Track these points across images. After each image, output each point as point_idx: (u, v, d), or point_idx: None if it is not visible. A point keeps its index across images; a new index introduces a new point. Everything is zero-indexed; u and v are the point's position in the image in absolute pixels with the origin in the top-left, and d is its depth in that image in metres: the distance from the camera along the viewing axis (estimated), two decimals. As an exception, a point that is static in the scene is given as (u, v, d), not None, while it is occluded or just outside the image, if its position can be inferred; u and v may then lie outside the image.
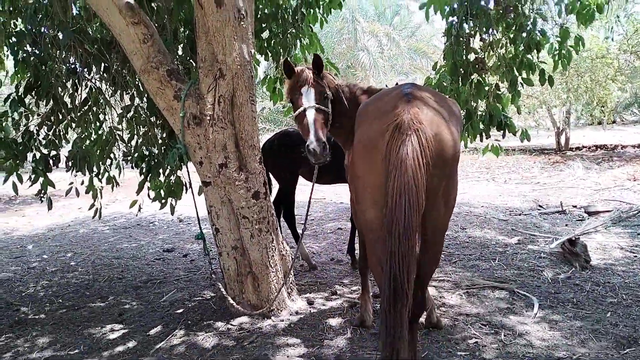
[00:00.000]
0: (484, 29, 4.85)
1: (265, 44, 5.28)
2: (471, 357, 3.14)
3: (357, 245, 5.35)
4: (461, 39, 4.84)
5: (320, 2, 5.13)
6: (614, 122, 27.43)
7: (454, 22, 4.82)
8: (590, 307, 3.85)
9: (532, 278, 4.67)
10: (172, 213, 5.00)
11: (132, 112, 5.06)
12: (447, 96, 4.90)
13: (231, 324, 3.79)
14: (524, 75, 4.91)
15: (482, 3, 4.75)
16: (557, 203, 9.03)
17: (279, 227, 4.09)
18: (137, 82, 4.88)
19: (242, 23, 3.48)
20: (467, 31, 4.93)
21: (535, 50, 4.85)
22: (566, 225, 7.28)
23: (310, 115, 3.22)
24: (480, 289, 4.37)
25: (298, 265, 5.39)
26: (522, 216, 8.06)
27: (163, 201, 4.89)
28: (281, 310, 3.90)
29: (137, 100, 5.09)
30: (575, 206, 8.68)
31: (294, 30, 5.13)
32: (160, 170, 4.99)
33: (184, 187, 4.87)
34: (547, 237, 6.46)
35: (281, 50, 5.18)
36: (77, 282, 5.28)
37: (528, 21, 4.84)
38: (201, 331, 3.69)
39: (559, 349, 3.19)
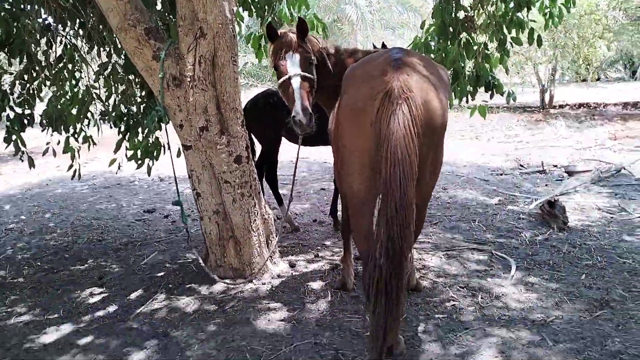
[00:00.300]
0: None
1: (249, -1, 5.08)
2: (449, 320, 3.21)
3: (339, 207, 5.37)
4: (451, -1, 4.70)
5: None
6: (598, 79, 27.47)
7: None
8: (565, 269, 3.94)
9: (510, 239, 4.75)
10: (149, 174, 4.94)
11: (109, 70, 4.90)
12: (434, 56, 4.90)
13: (213, 288, 3.80)
14: (514, 34, 4.82)
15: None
16: (539, 162, 9.11)
17: (261, 191, 4.05)
18: (114, 39, 4.68)
19: (223, -21, 3.31)
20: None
21: (525, 9, 4.75)
22: (546, 185, 7.37)
23: (296, 83, 3.13)
24: (460, 251, 4.44)
25: (283, 228, 5.40)
26: (503, 176, 8.14)
27: (140, 162, 4.80)
28: (263, 274, 3.92)
29: (114, 57, 4.91)
30: (555, 166, 8.77)
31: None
32: (139, 130, 4.89)
33: (162, 149, 4.78)
34: (527, 197, 6.54)
35: (266, 6, 4.97)
36: (55, 245, 5.23)
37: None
38: (182, 295, 3.71)
39: (534, 312, 3.28)
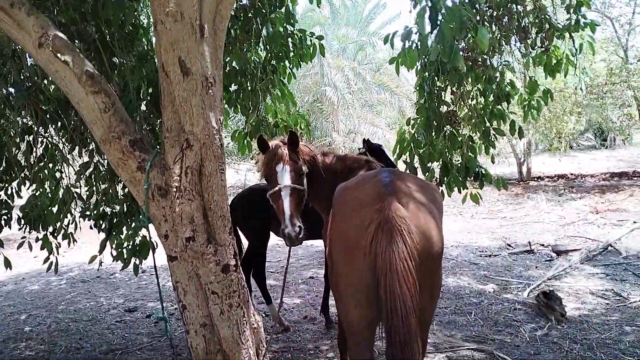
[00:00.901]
0: (455, 83, 4.87)
1: (234, 96, 5.15)
2: None
3: (331, 302, 5.18)
4: (433, 94, 4.84)
5: (291, 55, 5.03)
6: (570, 147, 28.45)
7: (426, 78, 4.81)
8: (572, 372, 3.77)
9: (510, 335, 4.59)
10: (136, 274, 4.74)
11: (91, 169, 4.82)
12: (422, 150, 4.95)
13: (200, 408, 3.52)
14: (495, 125, 4.94)
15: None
16: (525, 240, 9.12)
17: (250, 299, 3.87)
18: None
19: (211, 91, 3.31)
20: (439, 84, 4.95)
21: (505, 102, 4.90)
22: (536, 267, 7.31)
23: (286, 196, 3.12)
24: (459, 353, 4.24)
25: (269, 327, 5.16)
26: (492, 258, 8.07)
27: (126, 261, 4.62)
28: (254, 390, 3.65)
29: (96, 156, 4.85)
30: (542, 244, 8.77)
31: (264, 85, 5.01)
32: (123, 229, 4.75)
33: (149, 248, 4.61)
34: (520, 282, 6.45)
35: (251, 105, 5.04)
36: (31, 355, 4.87)
37: (496, 73, 4.89)
38: (168, 419, 3.42)
39: None
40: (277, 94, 5.29)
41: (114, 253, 4.63)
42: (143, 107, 4.64)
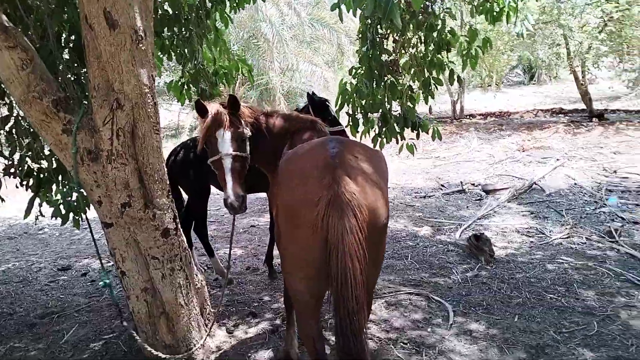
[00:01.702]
0: (398, 31, 4.78)
1: (168, 42, 4.82)
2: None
3: (275, 253, 5.23)
4: (376, 42, 4.75)
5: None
6: (501, 83, 29.42)
7: (369, 25, 4.68)
8: (499, 312, 4.06)
9: (443, 277, 4.86)
10: (78, 227, 4.48)
11: (11, 123, 4.43)
12: (364, 101, 4.91)
13: (146, 370, 3.53)
14: (435, 74, 4.96)
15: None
16: (457, 180, 9.52)
17: (192, 260, 3.81)
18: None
19: (141, 45, 3.06)
20: (381, 32, 4.85)
21: (445, 50, 4.90)
22: (467, 207, 7.68)
23: (227, 164, 3.01)
24: (398, 297, 4.45)
25: (212, 280, 5.17)
26: (427, 199, 8.39)
27: (64, 218, 4.37)
28: (200, 349, 3.68)
29: (16, 109, 4.44)
30: (473, 184, 9.19)
31: (199, 30, 4.70)
32: (53, 187, 4.46)
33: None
34: (452, 223, 6.77)
35: (187, 52, 4.74)
36: (-42, 322, 4.64)
37: (438, 20, 4.84)
38: (113, 383, 3.40)
39: (477, 366, 3.34)
40: (211, 39, 5.00)
41: (43, 210, 4.34)
42: (66, 56, 4.24)
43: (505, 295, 4.35)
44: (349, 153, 2.33)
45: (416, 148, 5.16)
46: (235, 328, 4.08)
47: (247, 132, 3.17)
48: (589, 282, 4.50)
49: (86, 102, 3.64)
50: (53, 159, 4.49)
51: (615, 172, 9.01)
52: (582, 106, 16.11)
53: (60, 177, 4.44)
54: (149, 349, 3.44)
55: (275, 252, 5.28)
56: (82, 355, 3.83)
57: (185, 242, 3.69)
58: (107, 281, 3.48)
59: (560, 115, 16.30)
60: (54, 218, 4.36)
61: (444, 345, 3.61)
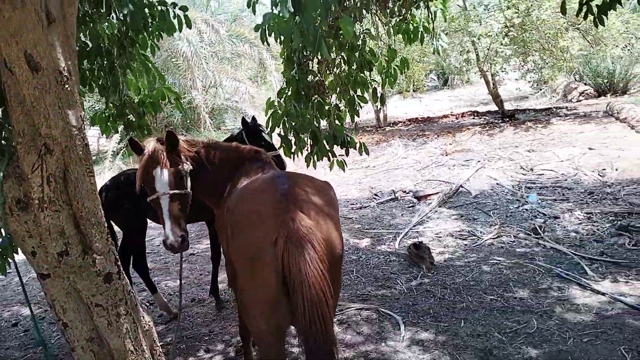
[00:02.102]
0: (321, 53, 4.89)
1: (88, 74, 4.62)
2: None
3: (220, 280, 5.14)
4: (302, 66, 4.83)
5: (149, 28, 4.59)
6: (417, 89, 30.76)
7: (294, 49, 4.74)
8: (446, 318, 4.23)
9: (389, 289, 4.99)
10: (4, 274, 4.13)
11: None
12: (294, 122, 4.96)
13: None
14: (359, 92, 5.13)
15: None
16: (389, 188, 9.81)
17: (137, 302, 3.65)
18: None
19: (67, 86, 2.91)
20: (305, 54, 4.94)
21: (367, 70, 5.08)
22: (402, 215, 7.93)
23: (165, 204, 2.95)
24: (347, 313, 4.52)
25: (156, 317, 4.98)
26: (363, 209, 8.57)
27: None
28: (154, 393, 3.54)
29: None
30: (404, 191, 9.51)
31: (121, 61, 4.55)
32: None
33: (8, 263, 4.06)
34: (390, 232, 6.97)
35: (110, 84, 4.56)
36: None
37: (358, 41, 5.00)
38: None
39: (432, 375, 3.46)
40: (139, 69, 4.85)
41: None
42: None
43: (449, 301, 4.54)
44: (299, 188, 2.37)
45: (346, 164, 5.30)
46: (188, 366, 3.96)
47: (187, 167, 3.11)
48: (522, 280, 4.80)
49: (10, 149, 3.43)
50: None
51: (531, 169, 9.67)
52: (494, 108, 17.19)
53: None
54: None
55: (221, 281, 5.18)
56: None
57: (129, 285, 3.53)
58: (40, 338, 3.28)
59: (475, 117, 17.27)
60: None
61: (398, 357, 3.71)
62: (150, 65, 4.77)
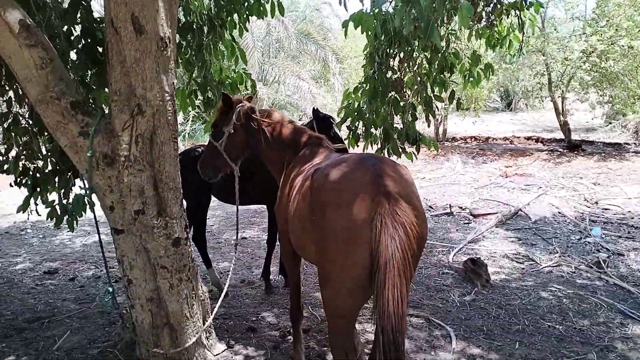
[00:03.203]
0: (407, 53, 4.86)
1: (179, 50, 4.77)
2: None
3: (273, 269, 5.18)
4: (382, 66, 4.81)
5: (239, 8, 4.70)
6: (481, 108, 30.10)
7: (378, 46, 4.73)
8: (500, 337, 4.09)
9: (441, 301, 4.87)
10: (72, 230, 4.34)
11: (9, 120, 4.29)
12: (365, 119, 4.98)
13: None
14: (437, 92, 5.06)
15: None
16: (443, 202, 9.64)
17: (197, 271, 3.73)
18: (14, 86, 4.13)
19: (165, 52, 3.02)
20: (388, 52, 4.92)
21: (448, 72, 5.00)
22: (457, 230, 7.76)
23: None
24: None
25: (208, 292, 5.07)
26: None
27: (59, 219, 4.23)
28: (201, 362, 3.60)
29: (15, 106, 4.31)
30: (460, 207, 9.30)
31: (212, 40, 4.68)
32: (49, 187, 4.32)
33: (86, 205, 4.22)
34: (444, 246, 6.83)
35: (196, 61, 4.70)
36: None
37: (442, 42, 4.92)
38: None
39: (482, 392, 3.34)
40: (225, 48, 4.98)
41: (39, 210, 4.21)
42: (73, 56, 4.15)
43: (504, 322, 4.39)
44: (389, 169, 2.37)
45: (416, 156, 5.23)
46: (235, 342, 4.00)
47: (228, 129, 3.61)
48: (583, 311, 4.58)
49: (102, 108, 3.58)
50: (49, 159, 4.36)
51: (596, 203, 9.25)
52: (560, 136, 16.57)
53: (57, 179, 4.32)
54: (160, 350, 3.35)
55: (273, 267, 5.23)
56: (76, 365, 3.69)
57: (192, 253, 3.62)
58: (111, 288, 3.40)
59: (539, 143, 16.72)
60: (48, 219, 4.24)
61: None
62: (236, 46, 4.88)
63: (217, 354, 3.80)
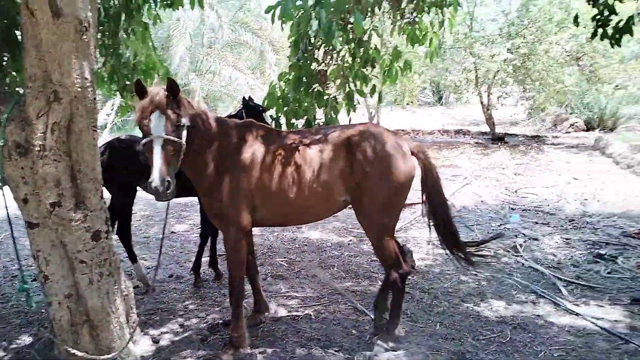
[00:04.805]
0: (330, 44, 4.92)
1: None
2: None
3: (204, 259, 5.12)
4: (306, 54, 4.85)
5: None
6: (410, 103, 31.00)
7: (302, 35, 4.76)
8: (422, 319, 4.27)
9: (369, 287, 5.02)
10: None
11: None
12: (289, 107, 5.02)
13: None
14: (358, 85, 5.17)
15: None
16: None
17: (120, 266, 3.62)
18: None
19: (85, 36, 2.90)
20: (313, 42, 4.96)
21: (370, 66, 5.12)
22: (387, 219, 7.96)
23: (157, 147, 2.95)
24: (326, 305, 4.54)
25: (133, 288, 4.93)
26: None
27: None
28: (125, 358, 3.51)
29: None
30: (391, 197, 9.55)
31: (125, 24, 4.52)
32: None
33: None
34: (374, 234, 6.99)
35: (112, 44, 4.52)
36: None
37: (365, 36, 5.03)
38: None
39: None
40: (139, 33, 4.81)
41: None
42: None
43: (426, 304, 4.59)
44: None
45: None
46: (160, 337, 3.93)
47: (185, 121, 3.14)
48: (499, 292, 4.87)
49: (16, 94, 3.38)
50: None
51: (516, 191, 9.82)
52: (486, 129, 17.43)
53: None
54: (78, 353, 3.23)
55: (204, 259, 5.16)
56: (-11, 368, 3.49)
57: (114, 247, 3.52)
58: (27, 286, 3.24)
59: (466, 136, 17.49)
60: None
61: (373, 350, 3.74)
62: (147, 35, 4.72)
63: (142, 350, 3.72)
